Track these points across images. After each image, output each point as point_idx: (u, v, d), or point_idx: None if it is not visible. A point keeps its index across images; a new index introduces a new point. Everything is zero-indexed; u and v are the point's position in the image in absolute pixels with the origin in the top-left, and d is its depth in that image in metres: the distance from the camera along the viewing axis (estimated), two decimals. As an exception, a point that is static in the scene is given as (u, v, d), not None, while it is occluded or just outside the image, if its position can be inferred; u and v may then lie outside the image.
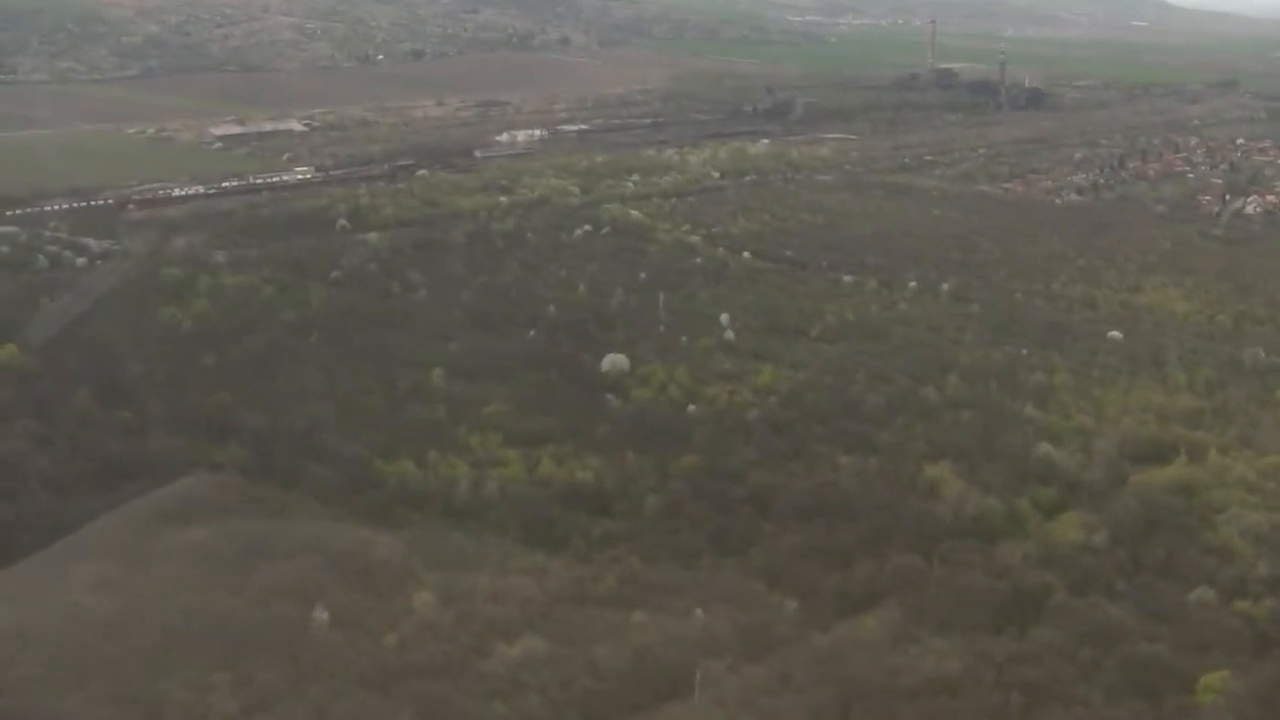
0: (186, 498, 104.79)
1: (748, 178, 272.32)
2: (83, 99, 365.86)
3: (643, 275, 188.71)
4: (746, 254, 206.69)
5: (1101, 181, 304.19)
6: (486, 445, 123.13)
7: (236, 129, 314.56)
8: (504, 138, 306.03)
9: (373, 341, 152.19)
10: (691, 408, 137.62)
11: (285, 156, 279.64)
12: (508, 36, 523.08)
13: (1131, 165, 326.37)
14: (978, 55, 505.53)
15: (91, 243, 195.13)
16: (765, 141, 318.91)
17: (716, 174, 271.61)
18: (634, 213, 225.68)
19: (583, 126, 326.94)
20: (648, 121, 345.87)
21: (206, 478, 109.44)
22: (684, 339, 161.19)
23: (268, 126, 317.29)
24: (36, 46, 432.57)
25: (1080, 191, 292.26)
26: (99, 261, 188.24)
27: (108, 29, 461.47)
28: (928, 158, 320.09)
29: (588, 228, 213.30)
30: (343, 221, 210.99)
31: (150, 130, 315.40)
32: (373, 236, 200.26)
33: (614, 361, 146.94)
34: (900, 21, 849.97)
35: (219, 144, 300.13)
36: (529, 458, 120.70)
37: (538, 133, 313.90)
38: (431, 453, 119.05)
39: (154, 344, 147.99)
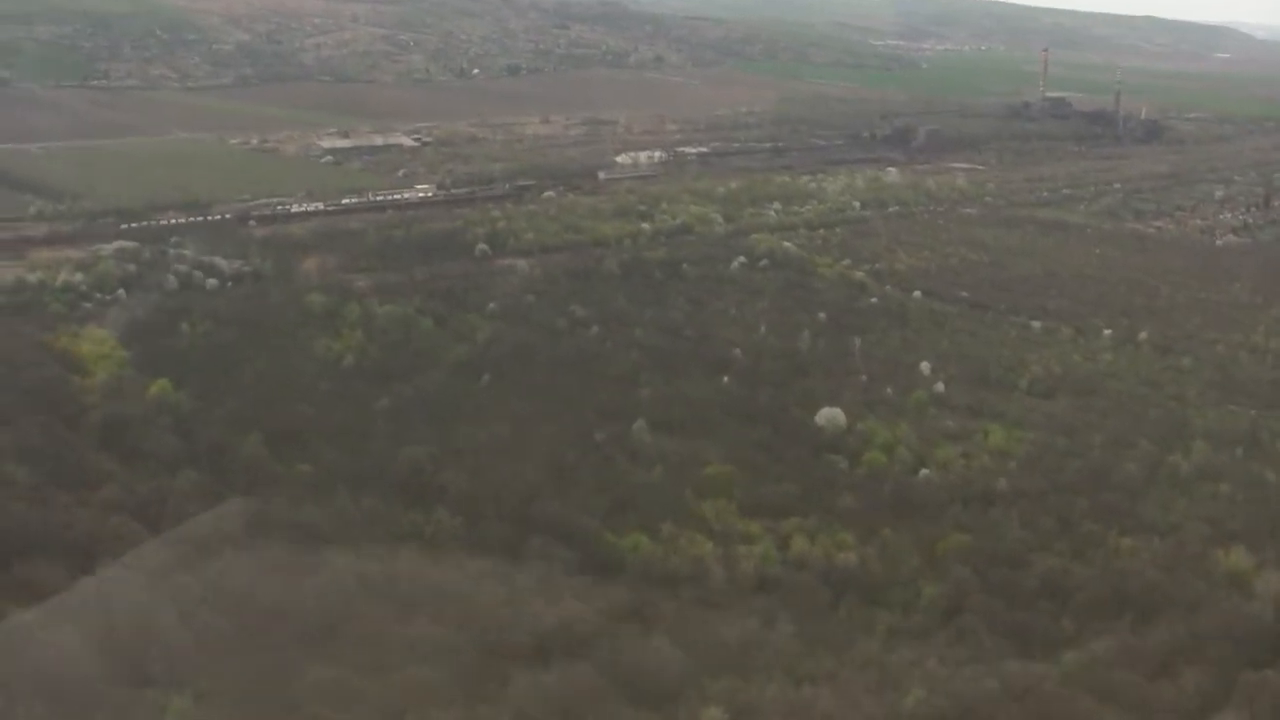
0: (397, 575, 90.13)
1: (890, 209, 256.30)
2: (178, 106, 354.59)
3: (821, 315, 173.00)
4: (917, 293, 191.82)
5: (1251, 220, 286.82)
6: (721, 515, 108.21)
7: (344, 142, 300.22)
8: (624, 159, 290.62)
9: (553, 385, 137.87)
10: (925, 472, 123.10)
11: (401, 173, 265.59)
12: (602, 54, 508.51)
13: (1276, 203, 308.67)
14: (1070, 83, 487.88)
15: (221, 263, 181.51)
16: (893, 170, 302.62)
17: (857, 204, 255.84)
18: (787, 244, 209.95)
19: (702, 149, 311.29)
20: (767, 146, 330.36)
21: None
22: (889, 390, 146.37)
23: (377, 140, 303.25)
24: (128, 52, 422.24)
25: (1235, 231, 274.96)
26: (231, 284, 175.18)
27: (198, 36, 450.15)
28: (1065, 191, 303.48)
29: (743, 259, 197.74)
30: (482, 246, 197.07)
31: (254, 140, 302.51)
32: (521, 264, 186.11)
33: (830, 417, 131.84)
34: (984, 48, 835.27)
35: (328, 157, 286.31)
36: (774, 532, 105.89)
37: (658, 154, 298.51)
38: (665, 524, 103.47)
39: (315, 381, 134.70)
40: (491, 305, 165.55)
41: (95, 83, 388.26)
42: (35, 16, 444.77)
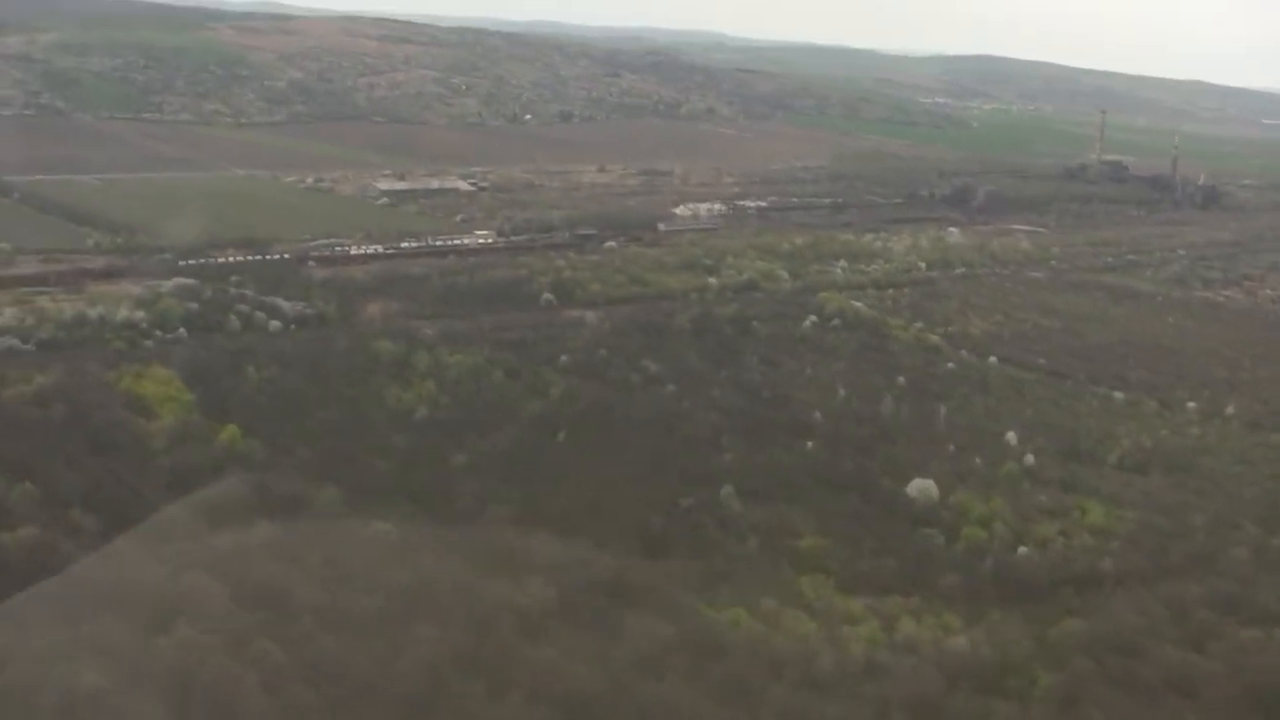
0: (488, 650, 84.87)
1: (956, 270, 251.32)
2: (232, 142, 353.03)
3: (900, 380, 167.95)
4: (993, 359, 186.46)
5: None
6: (820, 592, 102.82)
7: (399, 184, 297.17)
8: (683, 210, 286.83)
9: (632, 445, 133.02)
10: (1023, 549, 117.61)
11: (459, 217, 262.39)
12: (654, 104, 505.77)
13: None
14: (1121, 146, 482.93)
15: (283, 304, 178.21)
16: (955, 230, 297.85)
17: (922, 264, 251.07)
18: (856, 304, 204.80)
19: (761, 203, 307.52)
20: (826, 202, 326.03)
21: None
22: (977, 460, 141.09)
23: (433, 184, 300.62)
24: (182, 86, 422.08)
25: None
26: (294, 326, 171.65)
27: (251, 73, 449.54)
28: (1129, 257, 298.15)
29: (814, 319, 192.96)
30: (548, 295, 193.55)
31: (309, 179, 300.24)
32: (590, 316, 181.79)
33: (922, 489, 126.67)
34: (1031, 108, 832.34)
35: (384, 199, 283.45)
36: (877, 612, 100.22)
37: (717, 207, 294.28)
38: (765, 599, 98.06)
39: (389, 432, 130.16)
40: (563, 358, 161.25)
41: (149, 116, 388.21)
42: (91, 48, 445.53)
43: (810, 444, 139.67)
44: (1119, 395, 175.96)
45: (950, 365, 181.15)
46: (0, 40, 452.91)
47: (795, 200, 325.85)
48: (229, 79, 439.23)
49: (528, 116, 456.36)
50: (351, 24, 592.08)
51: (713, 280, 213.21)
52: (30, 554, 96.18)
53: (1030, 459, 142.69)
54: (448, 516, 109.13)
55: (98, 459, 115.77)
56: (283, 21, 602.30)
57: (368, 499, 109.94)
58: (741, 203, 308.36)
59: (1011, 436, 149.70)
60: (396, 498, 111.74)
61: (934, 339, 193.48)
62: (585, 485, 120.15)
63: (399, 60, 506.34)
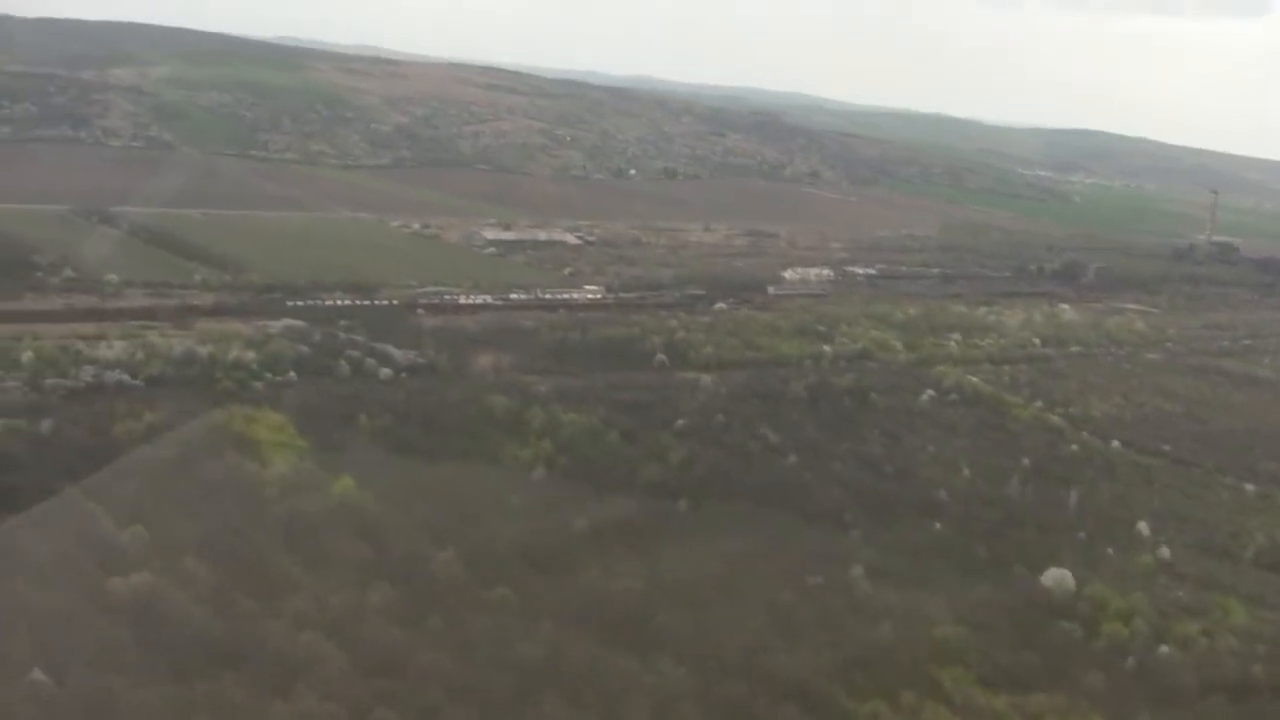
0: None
1: (1072, 348, 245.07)
2: (337, 183, 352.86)
3: (1025, 461, 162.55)
4: (1116, 443, 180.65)
5: None
6: (961, 686, 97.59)
7: (506, 234, 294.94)
8: (791, 274, 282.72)
9: (755, 517, 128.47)
10: (1164, 648, 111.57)
11: (567, 271, 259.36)
12: (757, 164, 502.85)
13: None
14: (1226, 227, 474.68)
15: (394, 352, 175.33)
16: (1067, 307, 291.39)
17: (1037, 340, 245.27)
18: (973, 379, 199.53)
19: (870, 270, 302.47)
20: (935, 272, 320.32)
21: None
22: (1109, 550, 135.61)
23: (540, 235, 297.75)
24: (288, 125, 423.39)
25: None
26: (404, 375, 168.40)
27: (355, 115, 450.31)
28: (1245, 341, 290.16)
29: (931, 393, 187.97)
30: (661, 356, 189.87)
31: (415, 225, 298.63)
32: (705, 380, 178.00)
33: (1058, 579, 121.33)
34: (1132, 185, 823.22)
35: (491, 248, 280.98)
36: (1021, 710, 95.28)
37: (826, 272, 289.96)
38: (905, 692, 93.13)
39: (506, 492, 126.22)
40: (679, 422, 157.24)
41: (255, 153, 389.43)
42: (200, 83, 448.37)
43: (938, 525, 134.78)
44: (1249, 487, 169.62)
45: (1073, 448, 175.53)
46: (111, 72, 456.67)
47: (904, 269, 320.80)
48: (334, 120, 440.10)
49: (632, 172, 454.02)
50: (458, 71, 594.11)
51: (827, 348, 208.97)
52: (143, 602, 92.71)
53: (1165, 552, 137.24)
54: (570, 585, 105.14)
55: (210, 504, 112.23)
56: (388, 65, 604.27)
57: (488, 562, 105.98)
58: (850, 269, 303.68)
59: (1143, 527, 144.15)
60: (518, 563, 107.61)
61: (1055, 420, 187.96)
62: (709, 558, 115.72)
63: (504, 109, 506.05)
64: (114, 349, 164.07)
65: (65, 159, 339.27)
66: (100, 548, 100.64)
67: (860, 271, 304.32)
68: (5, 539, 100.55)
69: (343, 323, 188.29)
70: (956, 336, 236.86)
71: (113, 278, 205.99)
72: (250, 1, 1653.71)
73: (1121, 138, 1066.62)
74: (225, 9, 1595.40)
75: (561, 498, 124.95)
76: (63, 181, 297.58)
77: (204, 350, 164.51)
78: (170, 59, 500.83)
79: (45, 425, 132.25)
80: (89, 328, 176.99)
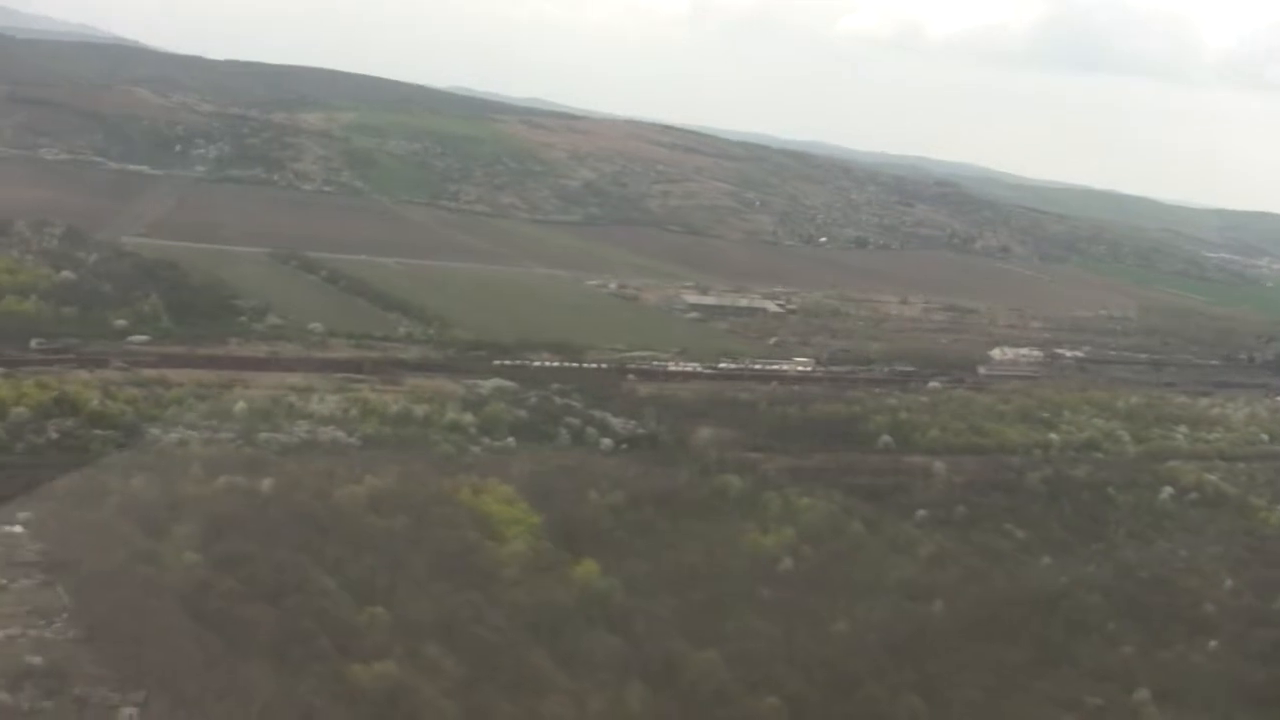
0: None
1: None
2: (528, 238, 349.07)
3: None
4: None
5: None
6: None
7: (705, 299, 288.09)
8: (999, 354, 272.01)
9: (1016, 624, 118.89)
10: None
11: (773, 341, 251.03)
12: (946, 236, 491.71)
13: None
14: None
15: (613, 421, 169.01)
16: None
17: (1265, 436, 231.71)
18: (1211, 477, 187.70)
19: (1077, 353, 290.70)
20: (1143, 357, 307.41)
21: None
22: None
23: (741, 301, 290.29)
24: (478, 176, 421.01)
25: None
26: (625, 446, 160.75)
27: (544, 169, 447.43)
28: None
29: (1170, 490, 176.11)
30: (886, 438, 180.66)
31: (612, 285, 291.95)
32: (938, 466, 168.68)
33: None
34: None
35: (693, 313, 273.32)
36: None
37: (1036, 353, 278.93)
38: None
39: (754, 585, 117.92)
40: (920, 513, 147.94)
41: (445, 202, 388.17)
42: (389, 130, 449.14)
43: (1213, 643, 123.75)
44: None
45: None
46: (301, 116, 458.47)
47: (1111, 353, 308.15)
48: (522, 173, 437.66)
49: (823, 239, 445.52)
50: (638, 129, 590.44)
51: (1053, 436, 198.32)
52: (387, 694, 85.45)
53: None
54: (840, 695, 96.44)
55: (448, 584, 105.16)
56: (570, 120, 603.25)
57: (751, 665, 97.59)
58: (1058, 350, 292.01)
59: None
60: (780, 666, 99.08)
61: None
62: (980, 670, 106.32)
63: (690, 169, 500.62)
64: (326, 403, 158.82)
65: (259, 201, 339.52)
66: (338, 629, 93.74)
67: (1068, 354, 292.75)
68: (238, 614, 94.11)
69: (554, 386, 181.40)
70: (1183, 429, 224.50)
71: (317, 326, 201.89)
72: (427, 51, 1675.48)
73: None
74: (402, 58, 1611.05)
75: (814, 595, 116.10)
76: (258, 223, 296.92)
77: (420, 410, 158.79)
78: (356, 105, 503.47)
79: (265, 484, 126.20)
80: (296, 378, 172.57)
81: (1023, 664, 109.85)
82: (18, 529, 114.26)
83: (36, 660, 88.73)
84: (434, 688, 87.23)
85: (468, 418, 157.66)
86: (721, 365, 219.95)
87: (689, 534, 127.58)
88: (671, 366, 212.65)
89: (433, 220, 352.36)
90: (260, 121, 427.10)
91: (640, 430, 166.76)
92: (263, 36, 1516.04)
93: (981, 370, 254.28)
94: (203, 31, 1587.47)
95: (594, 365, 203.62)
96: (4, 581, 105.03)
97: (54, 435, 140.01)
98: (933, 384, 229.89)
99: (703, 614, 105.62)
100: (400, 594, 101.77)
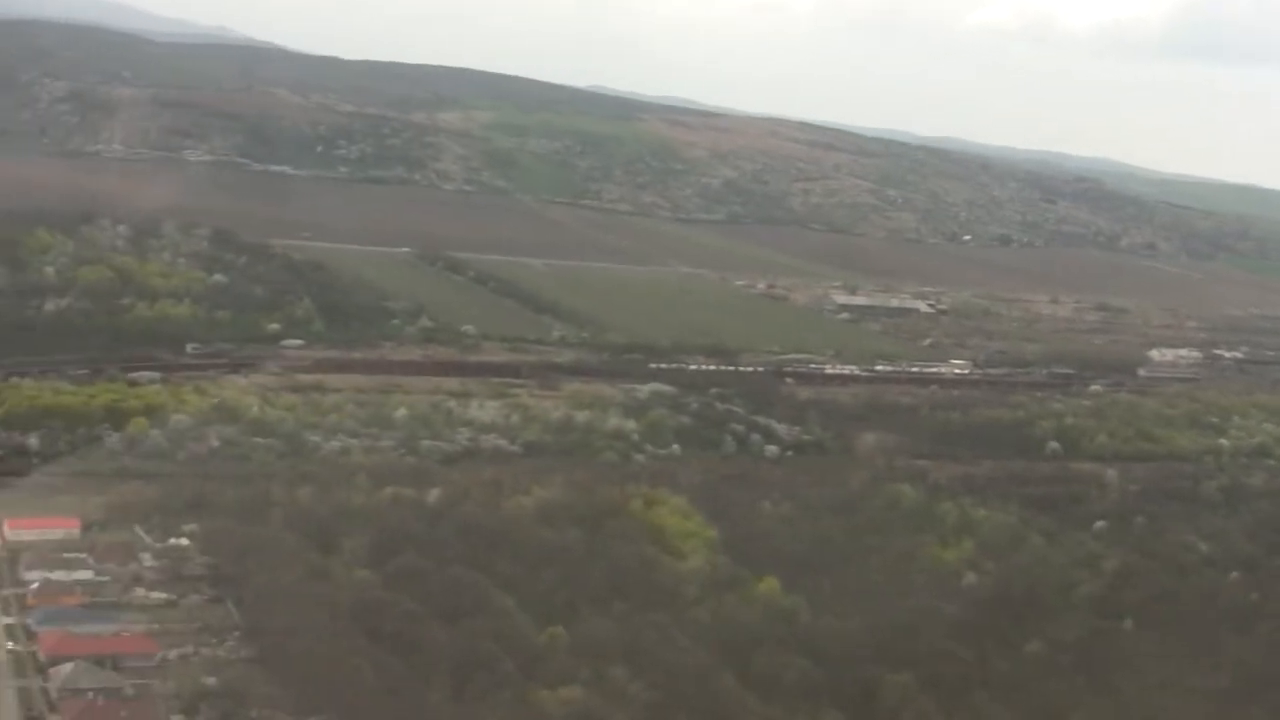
0: None
1: None
2: (671, 237, 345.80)
3: None
4: None
5: None
6: None
7: (855, 299, 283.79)
8: (1157, 355, 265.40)
9: (1211, 645, 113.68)
10: None
11: (927, 342, 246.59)
12: (1091, 234, 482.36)
13: None
14: None
15: (777, 427, 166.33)
16: None
17: None
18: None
19: (1236, 354, 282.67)
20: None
21: None
22: None
23: (892, 302, 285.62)
24: (620, 175, 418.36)
25: None
26: (790, 454, 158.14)
27: (685, 167, 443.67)
28: None
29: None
30: (1053, 444, 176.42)
31: (759, 285, 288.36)
32: (1110, 474, 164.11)
33: None
34: None
35: (844, 314, 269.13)
36: None
37: (1195, 354, 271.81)
38: None
39: (938, 600, 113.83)
40: (1098, 524, 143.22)
41: (587, 202, 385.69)
42: (530, 130, 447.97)
43: None
44: None
45: None
46: (440, 115, 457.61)
47: (1269, 353, 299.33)
48: (664, 172, 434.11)
49: (966, 237, 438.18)
50: (777, 126, 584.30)
51: (1223, 442, 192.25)
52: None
53: None
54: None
55: (627, 602, 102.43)
56: (710, 118, 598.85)
57: (940, 689, 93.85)
58: (1216, 351, 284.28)
59: None
60: (975, 688, 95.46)
61: None
62: (1176, 695, 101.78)
63: (829, 167, 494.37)
64: (486, 410, 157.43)
65: (401, 200, 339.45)
66: (520, 651, 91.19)
67: (1227, 354, 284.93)
68: (416, 634, 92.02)
69: (713, 390, 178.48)
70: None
71: (470, 329, 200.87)
72: (563, 50, 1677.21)
73: None
74: (537, 57, 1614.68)
75: (1001, 613, 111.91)
76: (401, 223, 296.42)
77: (581, 417, 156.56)
78: (494, 104, 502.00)
79: (432, 495, 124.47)
80: (453, 383, 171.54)
81: (1224, 691, 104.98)
82: (184, 541, 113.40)
83: (211, 681, 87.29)
84: (623, 715, 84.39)
85: (630, 424, 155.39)
86: (878, 368, 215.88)
87: (866, 547, 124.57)
88: (829, 369, 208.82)
89: (576, 220, 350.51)
90: (400, 121, 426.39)
91: (805, 436, 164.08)
92: (394, 37, 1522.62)
93: (1141, 372, 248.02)
94: (334, 32, 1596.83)
95: (750, 368, 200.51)
96: (174, 596, 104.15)
97: (215, 443, 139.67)
98: (1094, 387, 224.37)
99: (891, 633, 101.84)
100: (580, 613, 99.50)
